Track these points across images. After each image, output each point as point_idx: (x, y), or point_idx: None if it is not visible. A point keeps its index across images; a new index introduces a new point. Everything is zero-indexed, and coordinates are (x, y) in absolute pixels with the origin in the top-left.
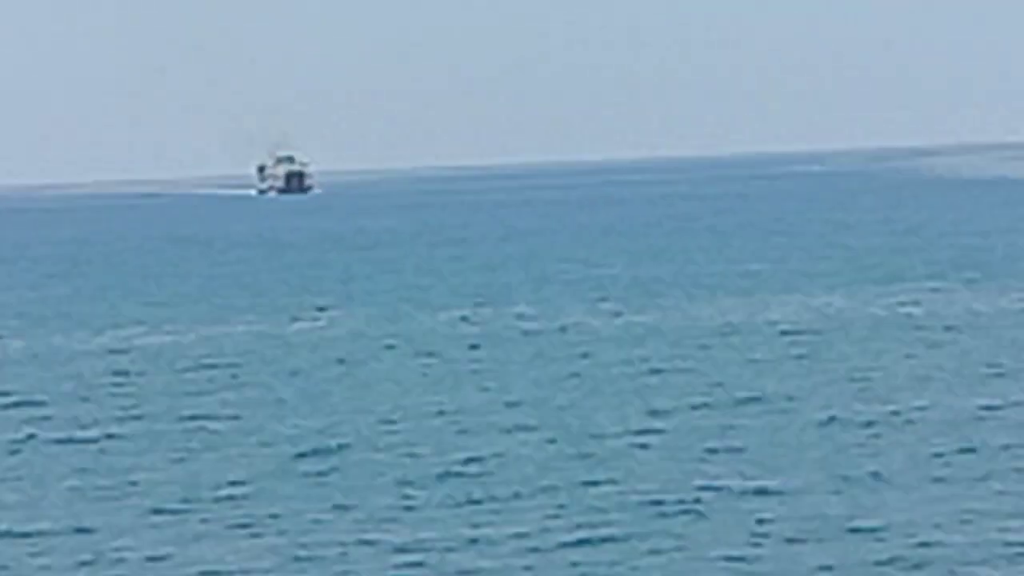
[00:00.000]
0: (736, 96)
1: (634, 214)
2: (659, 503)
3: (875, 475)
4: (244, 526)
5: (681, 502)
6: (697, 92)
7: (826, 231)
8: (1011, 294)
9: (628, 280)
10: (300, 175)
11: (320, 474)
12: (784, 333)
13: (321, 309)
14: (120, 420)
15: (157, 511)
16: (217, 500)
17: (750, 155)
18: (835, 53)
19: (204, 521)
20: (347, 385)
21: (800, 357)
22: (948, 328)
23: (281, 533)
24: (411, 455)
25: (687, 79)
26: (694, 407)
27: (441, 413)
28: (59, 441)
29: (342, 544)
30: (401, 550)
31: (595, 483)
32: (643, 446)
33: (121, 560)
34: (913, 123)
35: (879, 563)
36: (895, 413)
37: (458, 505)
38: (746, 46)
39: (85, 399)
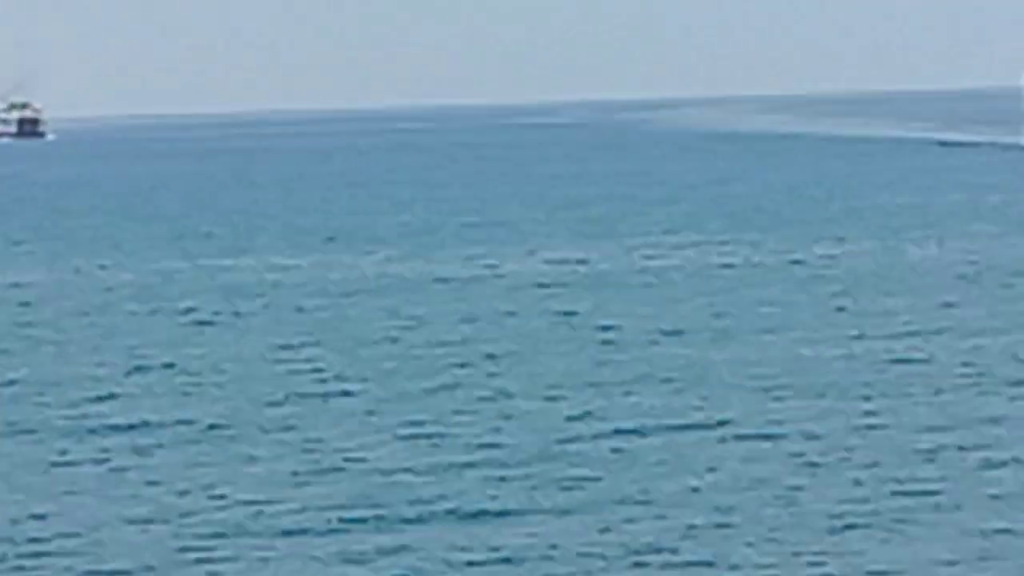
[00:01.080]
0: (461, 46)
1: (375, 164)
2: (459, 464)
3: (621, 432)
4: None
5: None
6: (425, 40)
7: (553, 183)
8: (732, 246)
9: (385, 230)
10: (34, 121)
11: (55, 428)
12: (524, 287)
13: (59, 256)
14: None
15: None
16: None
17: (477, 106)
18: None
19: None
20: (89, 335)
21: (544, 312)
22: (669, 280)
23: None
24: (151, 406)
25: (411, 27)
26: (443, 363)
27: (177, 363)
28: None
29: (74, 503)
30: (137, 497)
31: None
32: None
33: None
34: (653, 75)
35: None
36: (635, 366)
37: (194, 457)
38: None
39: None
